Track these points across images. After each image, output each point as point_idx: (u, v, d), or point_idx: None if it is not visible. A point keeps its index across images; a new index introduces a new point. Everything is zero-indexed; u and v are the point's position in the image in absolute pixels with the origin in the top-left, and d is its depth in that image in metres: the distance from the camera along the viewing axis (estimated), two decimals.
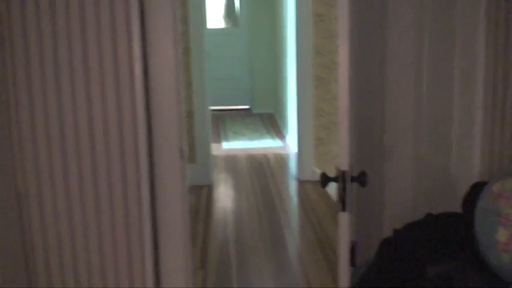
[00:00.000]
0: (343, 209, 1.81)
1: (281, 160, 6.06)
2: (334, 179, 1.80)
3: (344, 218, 1.83)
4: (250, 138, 7.16)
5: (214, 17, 9.20)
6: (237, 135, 7.42)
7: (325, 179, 1.82)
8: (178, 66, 2.44)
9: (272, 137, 7.24)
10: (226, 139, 7.18)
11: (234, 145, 6.84)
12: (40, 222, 2.40)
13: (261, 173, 5.56)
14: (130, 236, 2.43)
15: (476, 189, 1.70)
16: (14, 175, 2.35)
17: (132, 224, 2.42)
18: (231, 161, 6.05)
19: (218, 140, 7.05)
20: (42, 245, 2.41)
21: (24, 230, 2.39)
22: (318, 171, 5.01)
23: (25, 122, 2.31)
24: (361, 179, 1.82)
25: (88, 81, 2.29)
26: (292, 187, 5.14)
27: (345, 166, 1.77)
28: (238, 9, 9.13)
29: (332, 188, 4.15)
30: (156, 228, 2.50)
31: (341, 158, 1.77)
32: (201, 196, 4.86)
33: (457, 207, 1.88)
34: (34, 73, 2.28)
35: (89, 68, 2.29)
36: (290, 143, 6.56)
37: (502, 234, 1.54)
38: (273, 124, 8.10)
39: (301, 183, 5.14)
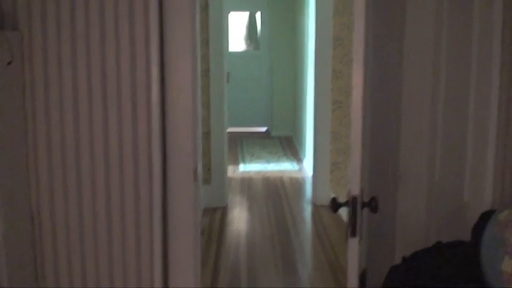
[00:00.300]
0: (353, 235, 1.79)
1: (297, 184, 6.03)
2: (345, 204, 1.78)
3: (354, 244, 1.81)
4: (268, 161, 7.16)
5: (237, 39, 9.30)
6: (255, 157, 7.42)
7: (335, 204, 1.81)
8: (196, 88, 2.46)
9: (289, 160, 7.23)
10: (244, 161, 7.18)
11: (251, 167, 6.84)
12: (52, 238, 2.41)
13: (276, 196, 5.54)
14: (141, 256, 2.43)
15: (485, 218, 1.67)
16: (28, 193, 2.38)
17: (142, 244, 2.42)
18: (247, 183, 6.04)
19: (236, 162, 7.06)
20: (52, 261, 2.43)
21: (35, 242, 2.41)
22: (333, 196, 4.97)
23: (41, 143, 2.35)
24: (372, 204, 1.80)
25: (105, 100, 2.33)
26: (307, 211, 5.10)
27: (355, 191, 1.76)
28: (260, 32, 9.21)
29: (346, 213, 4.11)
30: (167, 249, 2.49)
31: (352, 183, 1.76)
32: (214, 218, 4.85)
33: (468, 236, 1.85)
34: (52, 93, 2.32)
35: (106, 88, 2.32)
36: (307, 167, 6.54)
37: (507, 265, 1.50)
38: (290, 147, 8.09)
39: (316, 207, 5.10)
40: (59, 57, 2.29)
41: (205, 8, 4.92)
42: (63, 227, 2.40)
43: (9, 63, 2.18)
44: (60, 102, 2.32)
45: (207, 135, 5.09)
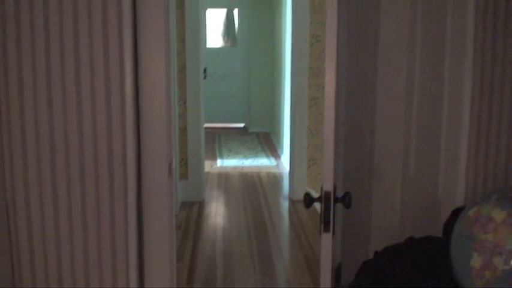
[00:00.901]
0: (326, 230, 1.81)
1: (274, 179, 6.06)
2: (318, 200, 1.80)
3: (327, 239, 1.83)
4: (245, 157, 7.17)
5: (214, 36, 9.28)
6: (232, 153, 7.42)
7: (309, 200, 1.82)
8: (170, 84, 2.45)
9: (267, 156, 7.25)
10: (221, 157, 7.18)
11: (228, 163, 6.84)
12: (27, 227, 2.39)
13: (254, 191, 5.55)
14: (116, 252, 2.42)
15: (456, 215, 1.70)
16: (3, 183, 2.35)
17: (117, 240, 2.41)
18: (224, 179, 6.05)
19: (213, 157, 7.06)
20: (29, 262, 2.40)
21: (11, 235, 2.39)
22: (310, 191, 5.01)
23: (15, 134, 2.32)
24: (345, 200, 1.82)
25: (79, 95, 2.31)
26: (284, 206, 5.13)
27: (328, 187, 1.78)
28: (237, 29, 9.21)
29: None
30: (142, 244, 2.49)
31: (324, 179, 1.78)
32: (191, 212, 4.85)
33: (441, 231, 1.88)
34: (26, 84, 2.29)
35: (80, 82, 2.30)
36: (284, 162, 6.57)
37: (476, 261, 1.52)
38: (268, 143, 8.11)
39: (293, 202, 5.14)
40: (32, 55, 2.27)
41: (181, 4, 4.90)
42: (38, 224, 2.38)
43: None
44: (33, 93, 2.29)
45: (183, 130, 5.08)
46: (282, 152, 7.01)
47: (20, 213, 2.38)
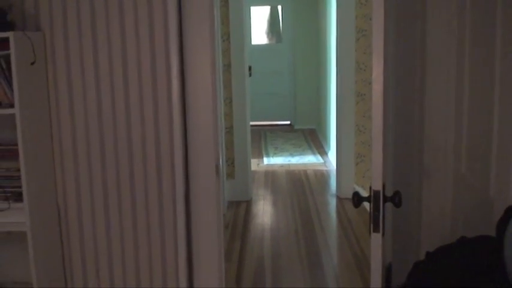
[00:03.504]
0: (376, 230, 1.76)
1: (321, 177, 6.00)
2: (367, 199, 1.76)
3: (377, 239, 1.79)
4: (292, 154, 7.14)
5: (259, 33, 9.28)
6: (278, 150, 7.41)
7: (358, 199, 1.79)
8: (215, 83, 2.46)
9: (313, 153, 7.19)
10: (268, 155, 7.17)
11: (274, 161, 6.83)
12: (79, 236, 2.45)
13: (301, 189, 5.52)
14: (165, 252, 2.45)
15: (510, 213, 1.63)
16: (55, 189, 2.42)
17: (167, 240, 2.44)
18: (271, 177, 6.04)
19: (259, 155, 7.06)
20: (80, 261, 2.46)
21: (62, 239, 2.45)
22: (358, 189, 4.93)
23: (66, 140, 2.38)
24: (395, 199, 1.77)
25: (127, 98, 2.35)
26: (331, 204, 5.07)
27: (377, 186, 1.73)
28: (282, 25, 9.17)
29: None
30: (191, 244, 2.51)
31: (373, 178, 1.74)
32: (239, 212, 4.86)
33: (494, 231, 1.80)
34: (75, 92, 2.35)
35: (128, 86, 2.34)
36: (331, 160, 6.50)
37: None
38: (314, 140, 8.05)
39: (341, 200, 5.07)
40: (81, 57, 2.32)
41: (225, 2, 4.91)
42: (90, 224, 2.44)
43: (32, 63, 2.21)
44: (83, 100, 2.35)
45: (230, 129, 5.10)
46: (329, 149, 6.93)
47: (72, 218, 2.44)
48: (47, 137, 2.37)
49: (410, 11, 2.31)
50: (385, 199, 1.77)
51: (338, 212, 4.84)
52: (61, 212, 2.43)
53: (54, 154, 2.40)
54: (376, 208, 1.73)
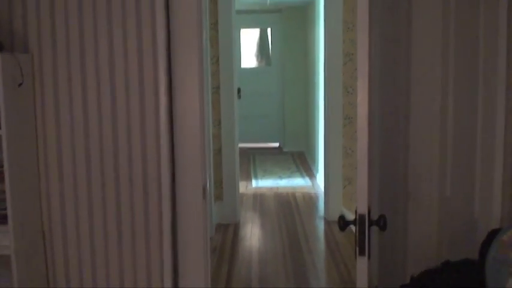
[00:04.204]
0: (362, 253, 1.77)
1: (309, 199, 6.00)
2: (353, 222, 1.77)
3: (363, 262, 1.79)
4: (280, 177, 7.14)
5: (248, 56, 9.35)
6: (267, 173, 7.41)
7: (343, 222, 1.79)
8: (203, 105, 2.47)
9: (302, 176, 7.20)
10: (256, 177, 7.17)
11: (263, 183, 6.82)
12: (64, 255, 2.42)
13: (289, 212, 5.51)
14: (151, 277, 2.43)
15: (492, 237, 1.64)
16: (40, 211, 2.40)
17: (152, 263, 2.42)
18: (259, 199, 6.03)
19: (248, 178, 7.05)
20: (65, 282, 2.43)
21: (47, 262, 2.42)
22: (346, 211, 4.93)
23: (52, 162, 2.37)
24: (380, 222, 1.78)
25: (114, 120, 2.35)
26: (319, 227, 5.07)
27: (363, 209, 1.74)
28: (271, 48, 9.26)
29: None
30: (177, 267, 2.49)
31: (359, 201, 1.74)
32: (227, 234, 4.84)
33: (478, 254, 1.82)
34: (62, 114, 2.35)
35: (116, 106, 2.34)
36: (320, 182, 6.51)
37: None
38: (303, 163, 8.07)
39: (328, 223, 5.07)
40: (69, 78, 2.33)
41: (215, 25, 4.96)
42: (75, 247, 2.42)
43: (20, 84, 2.21)
44: (70, 122, 2.35)
45: (218, 151, 5.10)
46: (317, 172, 6.95)
47: (57, 241, 2.41)
48: (33, 158, 2.36)
49: (395, 35, 2.35)
50: (371, 223, 1.77)
51: (326, 235, 4.83)
52: (46, 235, 2.41)
53: (40, 176, 2.38)
54: (361, 232, 1.74)
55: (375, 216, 1.81)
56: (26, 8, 2.29)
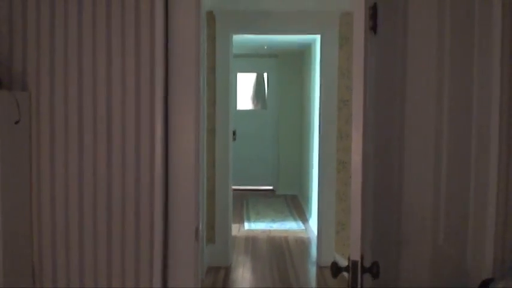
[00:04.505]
0: None
1: (302, 244, 5.95)
2: (345, 269, 1.76)
3: None
4: (273, 220, 7.10)
5: (245, 98, 9.45)
6: (260, 216, 7.37)
7: (336, 269, 1.78)
8: (198, 147, 2.49)
9: (295, 220, 7.16)
10: (249, 220, 7.13)
11: (256, 226, 6.78)
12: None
13: (281, 256, 5.46)
14: None
15: (484, 287, 1.63)
16: (31, 248, 2.37)
17: None
18: (251, 243, 5.97)
19: (241, 220, 7.00)
20: None
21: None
22: (339, 257, 4.89)
23: (45, 200, 2.36)
24: (373, 270, 1.77)
25: (110, 160, 2.35)
26: (312, 272, 5.01)
27: (355, 256, 1.74)
28: (267, 92, 9.37)
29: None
30: None
31: (352, 248, 1.74)
32: (218, 278, 4.77)
33: None
34: (57, 152, 2.35)
35: (112, 146, 2.35)
36: (313, 226, 6.47)
37: None
38: (296, 206, 8.04)
39: (321, 268, 5.01)
40: (66, 117, 2.34)
41: (212, 69, 5.04)
42: (64, 283, 2.38)
43: (17, 122, 2.22)
44: (65, 160, 2.35)
45: (211, 194, 5.09)
46: (310, 216, 6.92)
47: (47, 277, 2.38)
48: (26, 195, 2.34)
49: (390, 82, 2.39)
50: (364, 270, 1.76)
51: (318, 280, 4.77)
52: (35, 270, 2.37)
53: (32, 215, 2.36)
54: (354, 279, 1.73)
55: (367, 263, 1.80)
56: (26, 47, 2.33)
